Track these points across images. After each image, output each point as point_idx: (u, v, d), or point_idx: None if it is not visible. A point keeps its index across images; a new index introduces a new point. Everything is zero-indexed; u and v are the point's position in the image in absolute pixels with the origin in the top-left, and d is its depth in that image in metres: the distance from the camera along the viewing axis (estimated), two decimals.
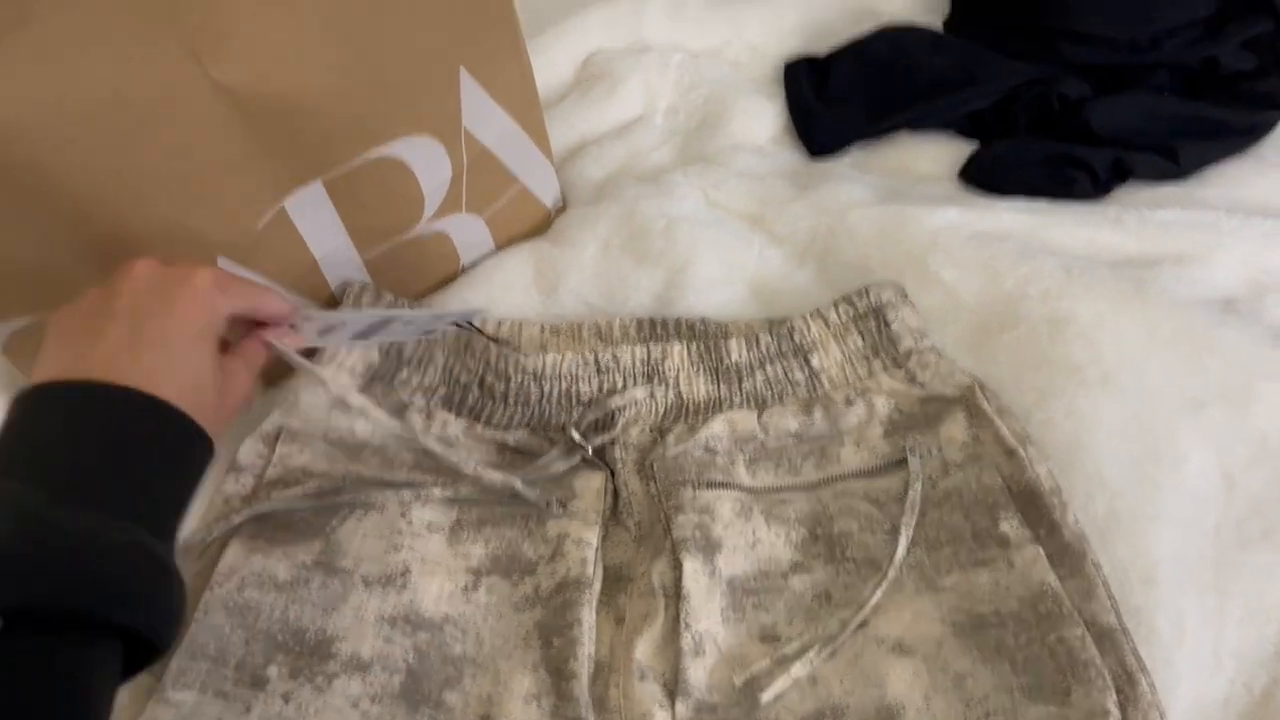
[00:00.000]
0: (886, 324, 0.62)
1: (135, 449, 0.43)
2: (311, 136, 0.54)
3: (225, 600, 0.52)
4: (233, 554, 0.54)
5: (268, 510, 0.56)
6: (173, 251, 0.52)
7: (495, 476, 0.56)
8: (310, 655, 0.51)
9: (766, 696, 0.50)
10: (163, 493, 0.44)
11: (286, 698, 0.50)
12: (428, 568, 0.55)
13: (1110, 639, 0.49)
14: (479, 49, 0.59)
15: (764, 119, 0.81)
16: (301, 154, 0.55)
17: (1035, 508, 0.54)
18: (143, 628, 0.38)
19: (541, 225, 0.74)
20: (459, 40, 0.58)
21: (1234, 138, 0.75)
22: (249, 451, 0.59)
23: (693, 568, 0.53)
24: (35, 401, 0.43)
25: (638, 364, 0.62)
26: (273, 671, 0.50)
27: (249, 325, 0.54)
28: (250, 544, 0.55)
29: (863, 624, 0.52)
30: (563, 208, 0.76)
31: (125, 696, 0.49)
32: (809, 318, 0.63)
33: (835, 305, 0.63)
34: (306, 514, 0.56)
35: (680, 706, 0.49)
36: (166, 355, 0.46)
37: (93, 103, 0.45)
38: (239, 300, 0.51)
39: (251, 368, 0.53)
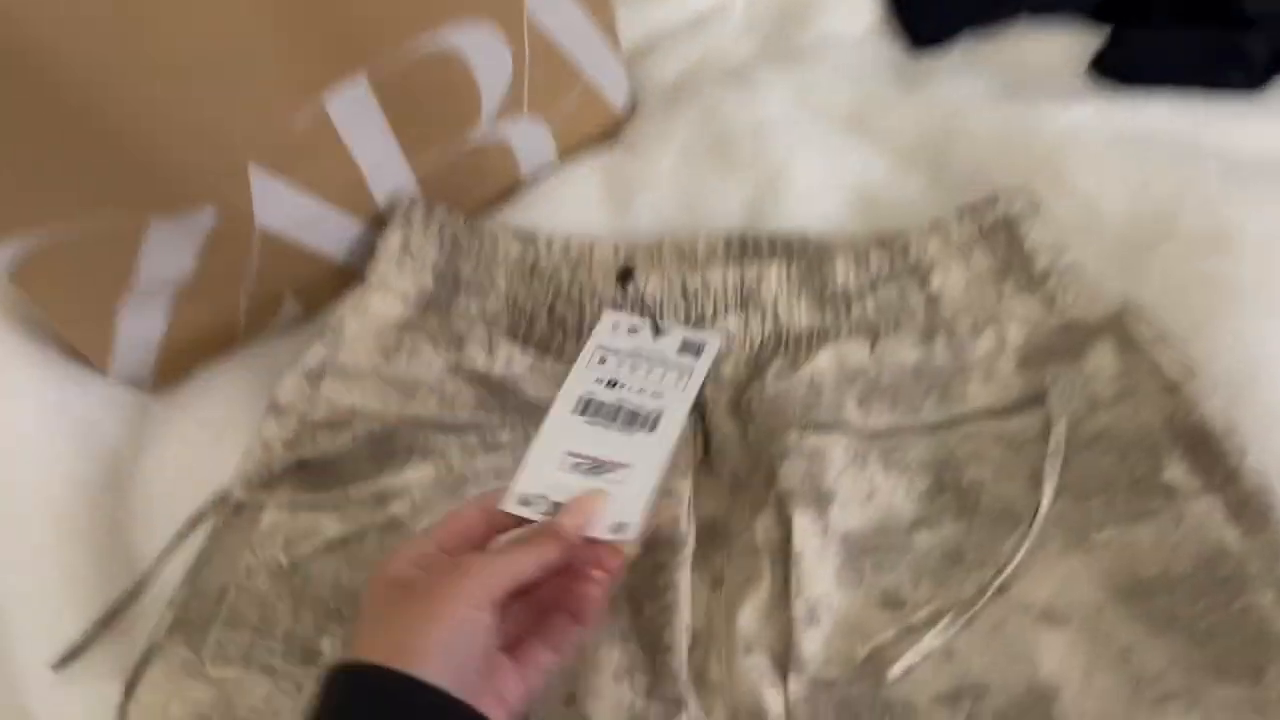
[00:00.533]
0: (1018, 239, 0.56)
1: None
2: (353, 14, 0.49)
3: (268, 563, 0.48)
4: (275, 509, 0.50)
5: (314, 457, 0.51)
6: (200, 152, 0.46)
7: None
8: None
9: (894, 671, 0.45)
10: None
11: None
12: None
13: None
14: None
15: (858, 6, 0.73)
16: (342, 37, 0.50)
17: (1206, 451, 0.48)
18: None
19: (609, 130, 0.69)
20: None
21: None
22: (290, 389, 0.54)
23: (802, 523, 0.48)
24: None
25: (729, 289, 0.56)
26: (326, 644, 0.46)
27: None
28: (295, 497, 0.51)
29: (1003, 588, 0.47)
30: (631, 111, 0.70)
31: (160, 674, 0.45)
32: (926, 232, 0.57)
33: (957, 218, 0.57)
34: (358, 461, 0.52)
35: (793, 683, 0.45)
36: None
37: None
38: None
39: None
